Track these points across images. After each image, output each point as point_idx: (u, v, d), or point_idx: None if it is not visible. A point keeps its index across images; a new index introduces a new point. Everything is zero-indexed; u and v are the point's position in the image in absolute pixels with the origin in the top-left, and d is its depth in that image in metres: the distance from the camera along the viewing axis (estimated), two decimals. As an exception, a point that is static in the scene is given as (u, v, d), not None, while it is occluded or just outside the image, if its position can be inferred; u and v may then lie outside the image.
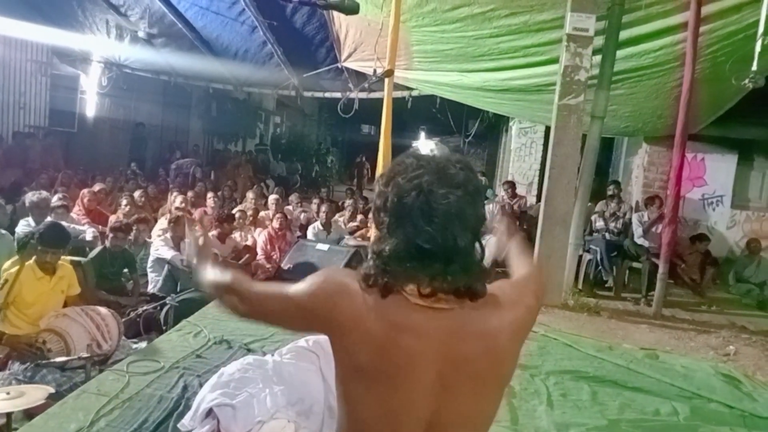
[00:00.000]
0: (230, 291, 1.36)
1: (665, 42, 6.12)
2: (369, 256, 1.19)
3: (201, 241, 1.65)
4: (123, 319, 4.50)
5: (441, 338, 1.15)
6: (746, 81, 4.36)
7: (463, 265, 1.14)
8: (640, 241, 7.44)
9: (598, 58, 5.93)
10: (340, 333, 1.19)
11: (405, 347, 1.15)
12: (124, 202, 7.28)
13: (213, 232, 6.87)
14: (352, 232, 7.93)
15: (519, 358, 1.28)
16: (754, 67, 4.24)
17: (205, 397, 2.62)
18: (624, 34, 5.96)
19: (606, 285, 7.57)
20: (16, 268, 3.74)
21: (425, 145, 25.70)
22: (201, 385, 2.93)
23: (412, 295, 1.14)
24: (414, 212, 1.12)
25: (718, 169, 8.73)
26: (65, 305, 4.08)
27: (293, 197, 9.70)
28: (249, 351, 3.75)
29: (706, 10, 5.40)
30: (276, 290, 1.29)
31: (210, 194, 8.45)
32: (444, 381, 1.16)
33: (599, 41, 5.82)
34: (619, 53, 6.12)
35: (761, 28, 4.13)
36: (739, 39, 5.50)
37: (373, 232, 6.01)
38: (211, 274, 1.44)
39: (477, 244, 1.18)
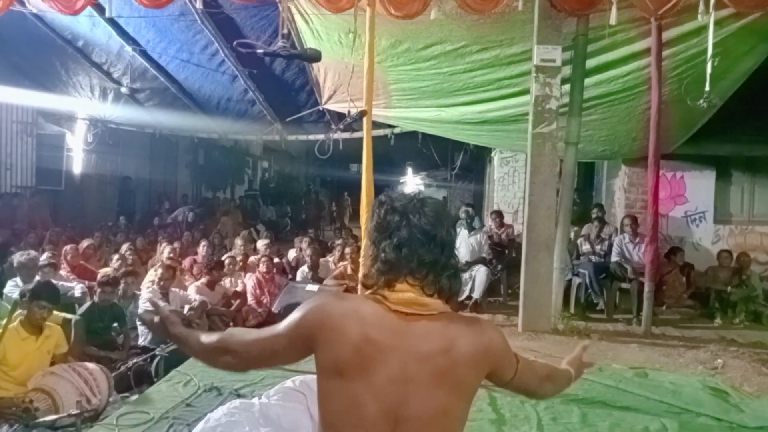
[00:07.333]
0: (222, 350, 1.48)
1: (632, 67, 6.33)
2: (369, 264, 1.47)
3: (167, 310, 1.65)
4: (113, 374, 4.49)
5: (408, 337, 1.36)
6: (701, 101, 4.53)
7: (444, 261, 1.42)
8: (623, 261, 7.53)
9: (568, 86, 6.11)
10: (325, 340, 1.38)
11: (377, 342, 1.35)
12: (114, 257, 7.32)
13: (203, 280, 6.91)
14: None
15: (479, 380, 1.43)
16: (707, 88, 4.41)
17: (193, 444, 2.63)
18: (591, 62, 6.16)
19: (598, 308, 7.61)
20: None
21: (412, 180, 25.92)
22: (190, 434, 2.94)
23: (392, 303, 1.38)
24: (403, 221, 1.42)
25: (698, 186, 8.86)
26: (52, 364, 4.08)
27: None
28: (239, 396, 3.75)
29: (667, 35, 5.62)
30: (264, 331, 1.47)
31: (204, 242, 8.49)
32: (407, 375, 1.34)
33: (567, 70, 6.01)
34: (590, 80, 6.31)
35: (709, 52, 4.31)
36: (702, 61, 5.70)
37: (361, 269, 6.05)
38: (195, 340, 1.53)
39: (453, 252, 1.47)
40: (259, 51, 4.85)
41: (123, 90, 9.73)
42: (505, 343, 1.49)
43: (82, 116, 11.89)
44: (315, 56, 3.69)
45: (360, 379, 1.34)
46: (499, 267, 8.46)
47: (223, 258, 7.73)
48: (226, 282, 7.21)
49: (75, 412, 3.56)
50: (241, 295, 7.09)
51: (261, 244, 8.80)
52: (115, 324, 5.50)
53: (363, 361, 1.35)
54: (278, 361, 1.52)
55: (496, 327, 1.51)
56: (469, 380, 1.40)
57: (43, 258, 6.46)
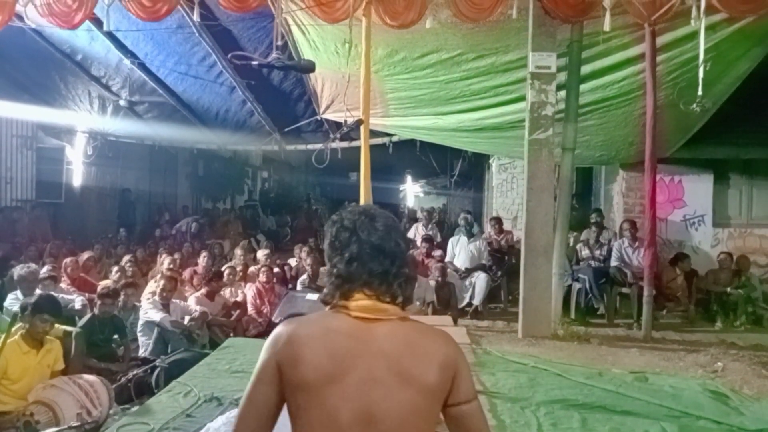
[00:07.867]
0: None
1: (628, 72, 6.37)
2: (325, 281, 1.55)
3: None
4: (114, 385, 4.50)
5: (373, 340, 1.43)
6: (694, 105, 4.56)
7: (395, 271, 1.50)
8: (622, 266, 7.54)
9: (563, 92, 6.14)
10: (294, 360, 1.42)
11: (344, 351, 1.41)
12: (114, 269, 7.34)
13: (203, 290, 6.92)
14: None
15: (444, 381, 1.44)
16: (700, 92, 4.44)
17: (193, 454, 2.64)
18: (587, 68, 6.19)
19: (598, 312, 7.62)
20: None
21: (411, 188, 25.95)
22: (190, 444, 2.94)
23: (354, 311, 1.45)
24: (353, 237, 1.51)
25: (697, 190, 8.88)
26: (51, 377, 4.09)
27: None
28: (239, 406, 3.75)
29: (661, 40, 5.66)
30: (243, 399, 1.48)
31: (204, 253, 8.50)
32: (374, 375, 1.40)
33: (562, 77, 6.04)
34: (586, 86, 6.34)
35: (701, 57, 4.34)
36: (696, 65, 5.74)
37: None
38: None
39: (404, 261, 1.55)
40: (254, 63, 4.88)
41: (122, 103, 9.76)
42: (465, 360, 1.52)
43: (82, 129, 11.93)
44: (309, 67, 3.74)
45: (331, 386, 1.38)
46: (499, 273, 8.48)
47: (222, 268, 7.75)
48: (226, 292, 7.22)
49: (76, 424, 3.58)
50: (242, 305, 7.10)
51: (261, 254, 8.81)
52: (116, 336, 5.53)
53: (333, 371, 1.39)
54: (276, 410, 1.46)
55: (456, 343, 1.53)
56: (433, 379, 1.42)
57: (44, 271, 6.48)
